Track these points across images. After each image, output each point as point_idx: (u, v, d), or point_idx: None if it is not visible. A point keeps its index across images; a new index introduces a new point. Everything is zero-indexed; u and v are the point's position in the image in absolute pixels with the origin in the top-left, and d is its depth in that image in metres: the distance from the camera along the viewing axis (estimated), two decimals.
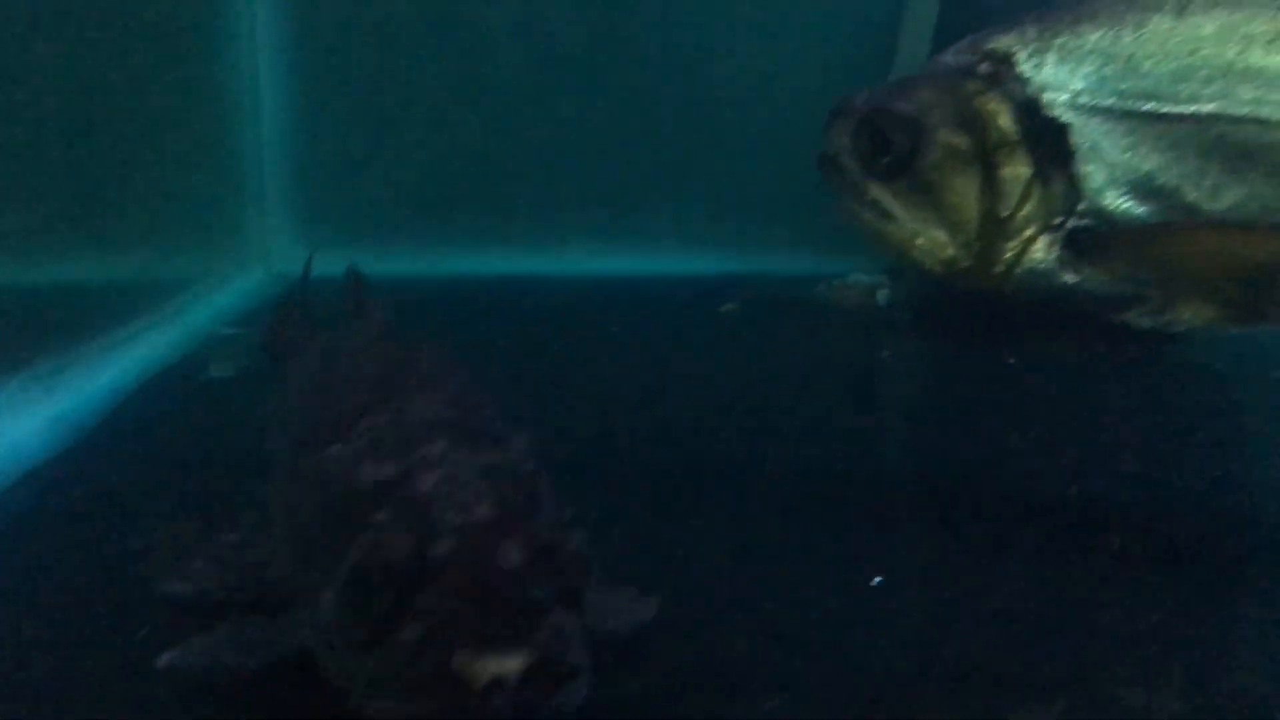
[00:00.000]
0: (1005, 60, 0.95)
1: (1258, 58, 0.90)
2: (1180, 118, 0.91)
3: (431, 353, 0.91)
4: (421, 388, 0.81)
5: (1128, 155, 0.92)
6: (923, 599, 0.96)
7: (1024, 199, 0.95)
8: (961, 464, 1.31)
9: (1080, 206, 0.94)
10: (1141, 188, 0.93)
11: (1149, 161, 0.92)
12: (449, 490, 0.69)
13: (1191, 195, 0.92)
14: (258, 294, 2.05)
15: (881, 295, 1.95)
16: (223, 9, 2.08)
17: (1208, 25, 0.91)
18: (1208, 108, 0.90)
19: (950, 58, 0.97)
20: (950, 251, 0.98)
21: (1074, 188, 0.94)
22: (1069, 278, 0.96)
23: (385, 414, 0.77)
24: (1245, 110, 0.90)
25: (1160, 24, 0.92)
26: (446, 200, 2.28)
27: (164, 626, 0.81)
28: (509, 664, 0.62)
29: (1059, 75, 0.94)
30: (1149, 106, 0.92)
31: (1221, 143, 0.90)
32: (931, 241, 0.98)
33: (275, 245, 2.27)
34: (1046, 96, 0.94)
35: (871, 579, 0.95)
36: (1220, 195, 0.91)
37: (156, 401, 1.39)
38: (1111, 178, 0.93)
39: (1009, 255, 0.96)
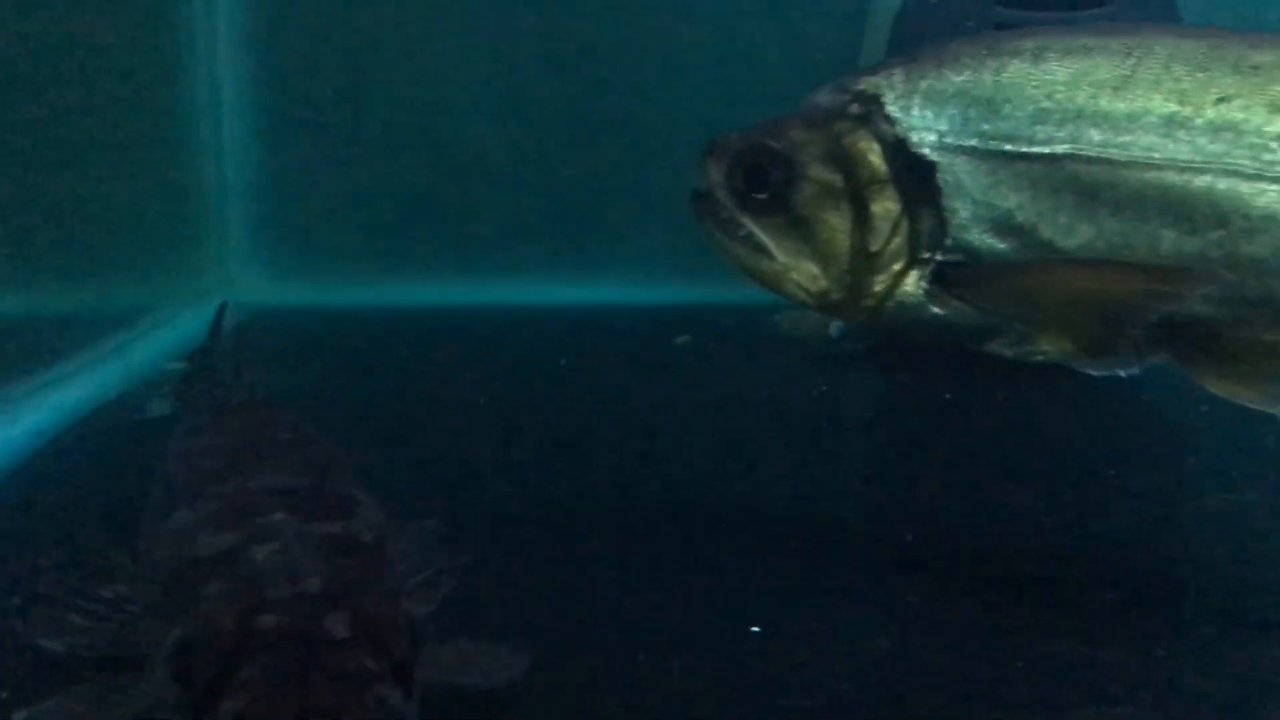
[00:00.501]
0: (874, 101, 0.98)
1: (1106, 103, 0.94)
2: (1036, 158, 0.95)
3: (291, 417, 0.92)
4: (275, 454, 0.82)
5: (989, 193, 0.95)
6: (810, 646, 0.96)
7: (893, 234, 0.98)
8: (885, 505, 1.33)
9: (947, 242, 0.97)
10: (1002, 225, 0.96)
11: (1009, 200, 0.95)
12: (281, 562, 0.70)
13: (1048, 232, 0.95)
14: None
15: (834, 327, 1.95)
16: (183, 38, 2.10)
17: (1061, 72, 0.95)
18: (1061, 149, 0.94)
19: (822, 98, 1.00)
20: (823, 284, 1.00)
21: (941, 224, 0.97)
22: (936, 310, 0.99)
23: (235, 481, 0.78)
24: (1094, 152, 0.94)
25: (1018, 70, 0.96)
26: (408, 230, 2.31)
27: (34, 681, 0.82)
28: None
29: (925, 117, 0.97)
30: (1008, 147, 0.95)
31: (1073, 182, 0.94)
32: (804, 275, 1.00)
33: (238, 275, 2.30)
34: (914, 137, 0.97)
35: (751, 627, 0.96)
36: (1073, 233, 0.95)
37: (83, 443, 1.40)
38: (975, 215, 0.96)
39: (879, 289, 0.99)
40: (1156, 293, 0.92)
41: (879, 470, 1.45)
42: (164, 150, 2.05)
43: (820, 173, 0.98)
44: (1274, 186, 0.91)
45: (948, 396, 1.62)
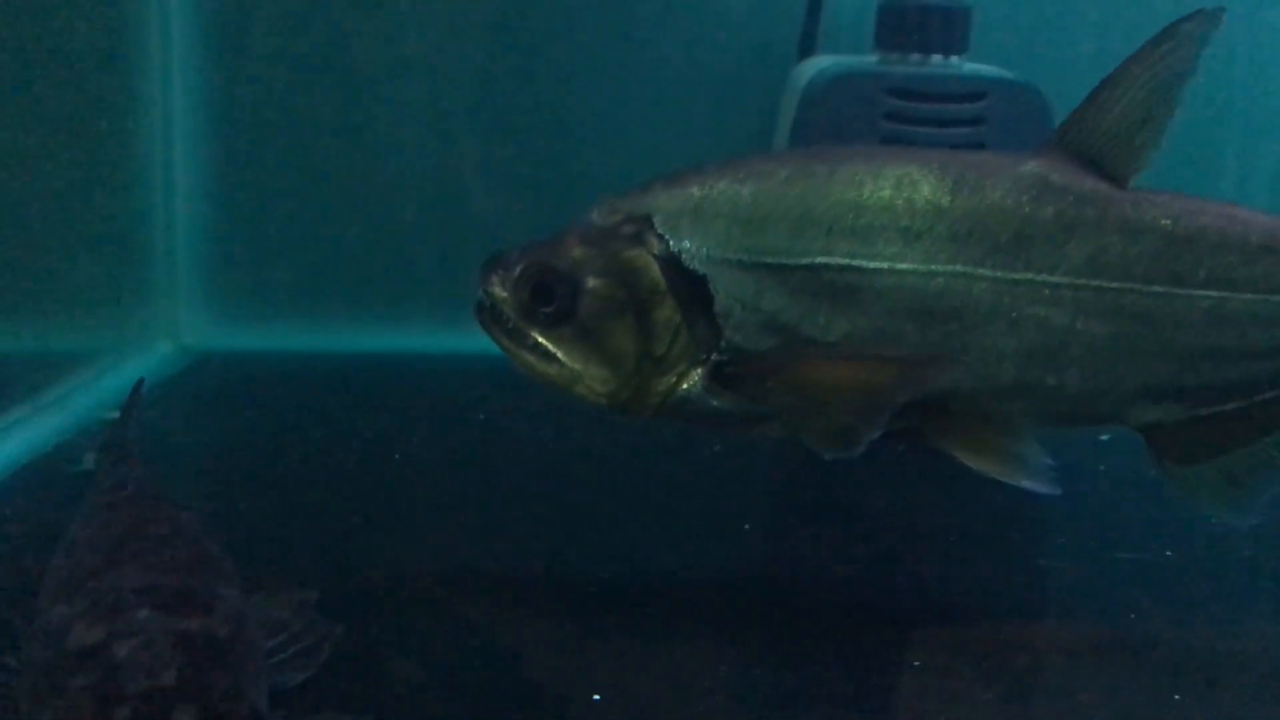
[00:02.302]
0: (645, 221, 1.11)
1: (850, 220, 1.09)
2: (795, 268, 1.09)
3: (172, 511, 1.04)
4: (148, 551, 0.94)
5: (756, 300, 1.10)
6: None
7: (674, 339, 1.11)
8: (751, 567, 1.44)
9: (721, 343, 1.11)
10: (769, 326, 1.10)
11: (773, 304, 1.10)
12: (139, 658, 0.81)
13: (808, 331, 1.10)
14: (162, 370, 2.16)
15: None
16: (134, 84, 2.18)
17: (812, 194, 1.10)
18: (816, 259, 1.09)
19: (596, 218, 1.14)
20: (613, 386, 1.13)
21: (715, 328, 1.10)
22: (715, 403, 1.13)
23: (109, 578, 0.90)
24: (844, 261, 1.09)
25: (773, 192, 1.10)
26: (357, 276, 2.38)
27: None
28: None
29: (694, 235, 1.11)
30: (770, 259, 1.10)
31: (828, 287, 1.09)
32: (595, 379, 1.13)
33: (185, 320, 2.37)
34: (685, 253, 1.10)
35: (592, 696, 1.07)
36: (830, 330, 1.09)
37: (12, 497, 1.48)
38: (744, 319, 1.10)
39: (664, 387, 1.12)
40: (906, 379, 1.07)
41: (756, 533, 1.56)
42: (111, 197, 2.12)
43: (603, 287, 1.11)
44: (993, 286, 1.08)
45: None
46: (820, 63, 1.99)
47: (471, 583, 1.31)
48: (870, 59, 1.95)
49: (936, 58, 1.91)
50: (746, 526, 1.54)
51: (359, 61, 2.31)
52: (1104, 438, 1.67)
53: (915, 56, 1.91)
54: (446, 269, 2.32)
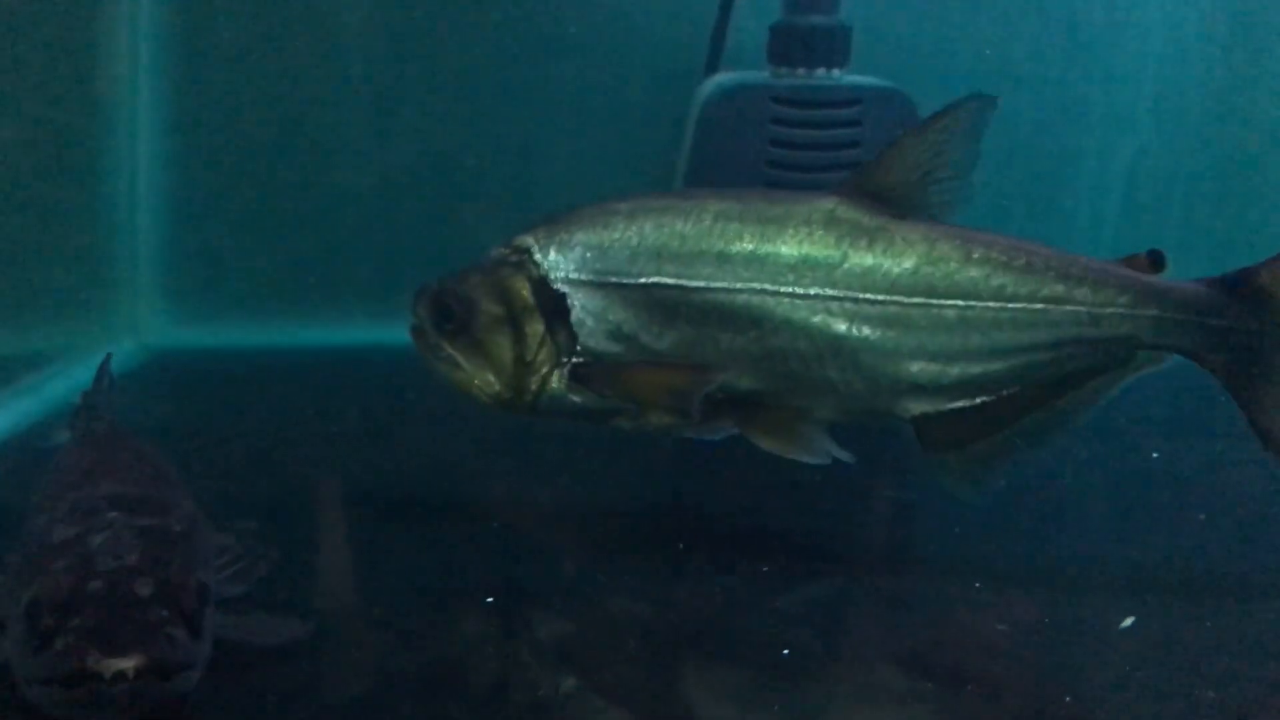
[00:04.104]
0: (526, 251, 1.37)
1: (676, 246, 1.34)
2: (633, 286, 1.34)
3: (135, 442, 1.24)
4: (117, 470, 1.14)
5: (604, 313, 1.34)
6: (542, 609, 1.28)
7: (541, 347, 1.36)
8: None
9: (577, 349, 1.35)
10: (614, 335, 1.35)
11: (617, 317, 1.34)
12: (108, 545, 1.01)
13: (645, 339, 1.34)
14: (124, 366, 2.31)
15: None
16: (101, 88, 2.32)
17: (648, 226, 1.35)
18: (650, 279, 1.33)
19: (494, 251, 1.40)
20: (497, 388, 1.38)
21: (572, 337, 1.35)
22: (575, 399, 1.37)
23: (85, 490, 1.10)
24: (670, 281, 1.33)
25: (618, 225, 1.35)
26: (306, 277, 2.52)
27: None
28: (127, 662, 0.94)
29: (558, 261, 1.36)
30: (614, 279, 1.34)
31: (659, 302, 1.33)
32: (485, 381, 1.38)
33: (146, 318, 2.52)
34: (551, 276, 1.35)
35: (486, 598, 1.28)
36: (662, 338, 1.34)
37: None
38: (595, 328, 1.35)
39: (535, 387, 1.37)
40: (697, 382, 1.33)
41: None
42: (80, 198, 2.27)
43: (490, 307, 1.38)
44: (787, 301, 1.31)
45: None
46: (719, 78, 2.21)
47: (391, 528, 1.51)
48: (763, 73, 2.17)
49: (820, 71, 2.13)
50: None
51: (309, 77, 2.46)
52: None
53: (802, 70, 2.14)
54: (385, 271, 2.46)
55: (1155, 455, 1.78)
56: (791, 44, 2.14)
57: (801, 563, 1.42)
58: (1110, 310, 1.29)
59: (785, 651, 1.19)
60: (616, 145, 2.50)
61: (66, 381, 2.06)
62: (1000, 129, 2.47)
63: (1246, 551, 1.46)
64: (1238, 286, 1.27)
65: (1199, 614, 1.29)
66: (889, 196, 1.33)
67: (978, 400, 1.33)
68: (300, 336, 2.49)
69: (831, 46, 2.14)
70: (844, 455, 1.36)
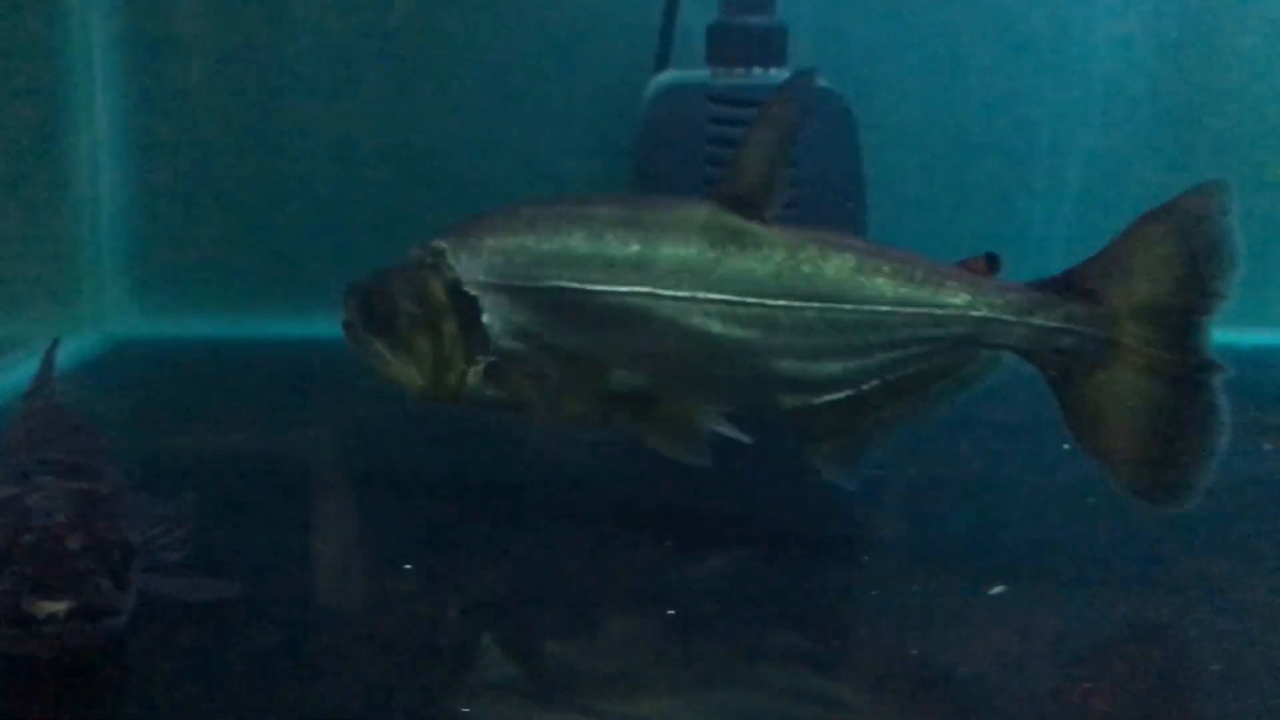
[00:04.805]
0: (441, 255, 1.46)
1: (571, 253, 1.43)
2: (539, 289, 1.43)
3: (73, 417, 1.35)
4: (53, 439, 1.24)
5: (512, 314, 1.44)
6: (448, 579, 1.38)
7: (456, 345, 1.45)
8: None
9: (490, 347, 1.45)
10: (522, 334, 1.44)
11: (524, 318, 1.44)
12: (43, 504, 1.11)
13: (550, 338, 1.44)
14: (87, 356, 2.40)
15: None
16: (61, 80, 2.38)
17: (546, 232, 1.44)
18: (552, 283, 1.43)
19: (412, 252, 1.49)
20: (419, 381, 1.48)
21: (484, 336, 1.44)
22: (490, 393, 1.47)
23: (24, 457, 1.20)
24: (572, 284, 1.42)
25: (521, 232, 1.45)
26: (267, 270, 2.61)
27: None
28: (58, 606, 1.03)
29: (471, 265, 1.45)
30: (520, 283, 1.43)
31: (560, 304, 1.42)
32: (408, 375, 1.48)
33: (110, 310, 2.60)
34: (464, 279, 1.44)
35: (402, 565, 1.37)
36: (565, 338, 1.44)
37: None
38: (504, 329, 1.44)
39: (453, 382, 1.46)
40: (582, 376, 1.44)
41: None
42: (41, 195, 2.33)
43: (409, 306, 1.47)
44: (669, 303, 1.41)
45: None
46: (662, 77, 2.31)
47: (326, 503, 1.63)
48: (704, 72, 2.26)
49: (758, 70, 2.23)
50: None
51: (269, 75, 2.54)
52: None
53: (740, 69, 2.23)
54: (343, 264, 2.47)
55: (1065, 447, 1.86)
56: (727, 44, 2.23)
57: (707, 538, 1.51)
58: (948, 311, 1.39)
59: (671, 612, 1.29)
60: (578, 139, 2.58)
61: (29, 370, 2.12)
62: (954, 130, 2.63)
63: (1123, 538, 1.54)
64: (1064, 286, 1.36)
65: (1067, 590, 1.38)
66: (749, 198, 1.43)
67: (844, 394, 1.43)
68: (263, 328, 2.56)
69: (768, 46, 2.23)
70: (742, 437, 1.45)
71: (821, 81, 2.18)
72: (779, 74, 2.23)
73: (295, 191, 2.60)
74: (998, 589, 1.35)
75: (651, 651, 1.23)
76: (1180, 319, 1.33)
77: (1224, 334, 2.50)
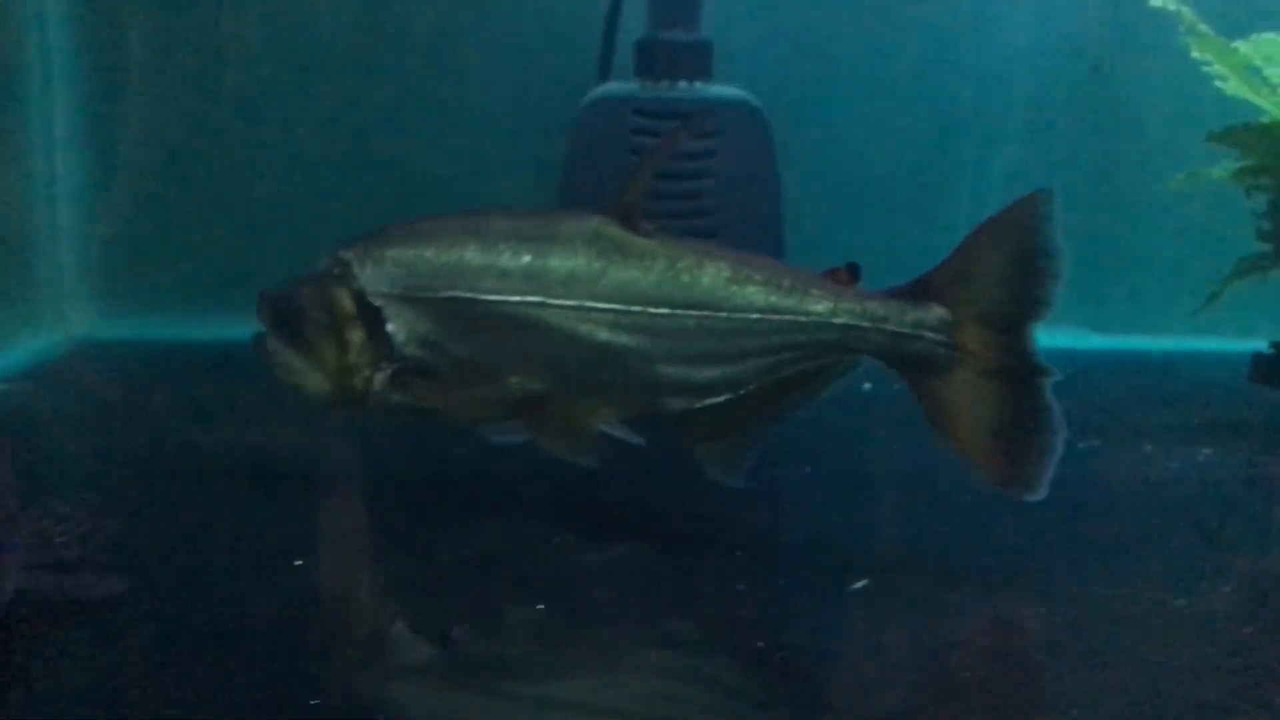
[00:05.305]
0: (347, 266, 1.52)
1: (467, 265, 1.50)
2: (438, 300, 1.50)
3: None
4: None
5: (413, 323, 1.50)
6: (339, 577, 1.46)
7: (362, 353, 1.52)
8: None
9: (394, 355, 1.51)
10: (424, 342, 1.51)
11: (425, 327, 1.50)
12: None
13: (450, 346, 1.50)
14: (47, 356, 2.47)
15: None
16: (17, 68, 2.44)
17: (445, 245, 1.51)
18: (450, 293, 1.49)
19: (321, 264, 1.55)
20: (328, 388, 1.54)
21: (389, 344, 1.51)
22: (396, 399, 1.53)
23: None
24: (465, 294, 1.49)
25: (421, 244, 1.51)
26: (224, 272, 2.66)
27: None
28: None
29: (375, 276, 1.51)
30: (422, 294, 1.50)
31: (458, 314, 1.49)
32: (317, 383, 1.54)
33: (72, 310, 2.67)
34: (369, 289, 1.51)
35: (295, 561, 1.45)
36: (463, 345, 1.50)
37: None
38: (407, 337, 1.51)
39: (361, 388, 1.53)
40: (479, 382, 1.51)
41: None
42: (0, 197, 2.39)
43: (318, 316, 1.53)
44: (558, 311, 1.48)
45: None
46: (596, 90, 2.39)
47: (243, 505, 1.67)
48: (633, 85, 2.34)
49: (683, 83, 2.31)
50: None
51: (227, 77, 2.61)
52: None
53: (666, 82, 2.31)
54: (303, 267, 2.62)
55: None
56: (653, 58, 2.31)
57: (594, 534, 1.58)
58: (812, 319, 1.47)
59: (540, 607, 1.36)
60: (531, 148, 2.63)
61: None
62: (879, 140, 2.70)
63: (990, 532, 1.62)
64: (915, 294, 1.45)
65: (926, 584, 1.44)
66: (636, 213, 1.51)
67: (724, 397, 1.51)
68: (224, 329, 2.58)
69: (693, 61, 2.31)
70: (634, 438, 1.53)
71: (741, 95, 2.29)
72: (704, 88, 2.32)
73: (254, 194, 2.67)
74: (861, 583, 1.42)
75: (533, 639, 1.30)
76: (1012, 324, 1.42)
77: (1129, 340, 2.68)
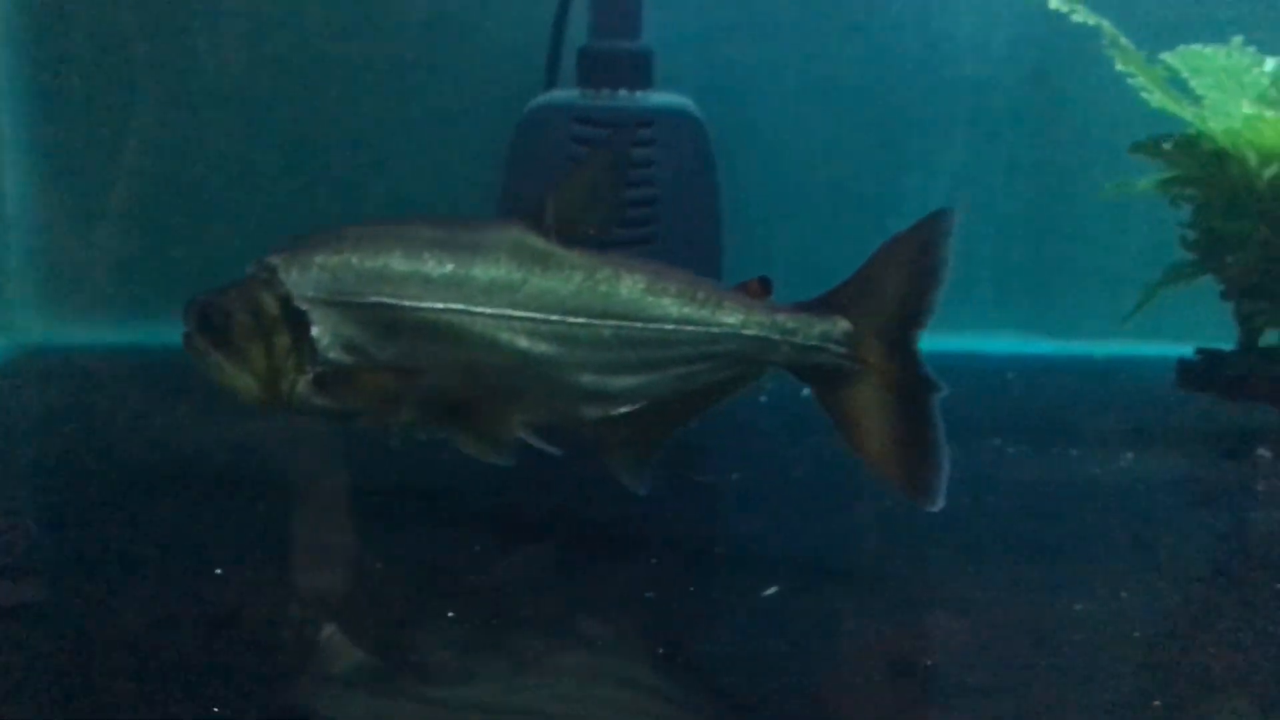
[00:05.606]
0: (273, 271, 1.54)
1: (391, 271, 1.52)
2: (361, 305, 1.52)
3: None
4: None
5: (337, 328, 1.53)
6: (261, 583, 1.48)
7: (288, 356, 1.54)
8: None
9: (318, 359, 1.53)
10: (347, 347, 1.53)
11: (348, 331, 1.53)
12: None
13: (373, 350, 1.53)
14: None
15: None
16: None
17: (370, 251, 1.53)
18: (374, 299, 1.52)
19: (249, 269, 1.57)
20: (255, 391, 1.56)
21: (314, 348, 1.53)
22: (320, 402, 1.56)
23: None
24: (389, 300, 1.51)
25: (346, 250, 1.54)
26: (172, 277, 2.61)
27: None
28: None
29: (301, 281, 1.53)
30: (345, 299, 1.52)
31: (381, 319, 1.52)
32: (244, 383, 1.56)
33: (19, 317, 2.67)
34: (295, 294, 1.53)
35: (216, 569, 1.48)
36: (385, 350, 1.53)
37: None
38: (331, 342, 1.53)
39: (285, 391, 1.55)
40: (402, 386, 1.53)
41: None
42: None
43: (245, 319, 1.56)
44: (480, 319, 1.51)
45: None
46: (537, 98, 2.41)
47: (170, 510, 1.70)
48: (574, 93, 2.37)
49: (624, 92, 2.34)
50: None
51: (173, 81, 2.62)
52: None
53: (606, 91, 2.34)
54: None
55: None
56: (594, 67, 2.34)
57: (511, 540, 1.62)
58: (724, 330, 1.51)
59: (452, 615, 1.40)
60: (479, 156, 2.62)
61: None
62: (826, 148, 2.73)
63: (900, 539, 1.65)
64: (822, 308, 1.49)
65: (835, 591, 1.48)
66: (559, 224, 1.54)
67: (639, 405, 1.54)
68: (171, 336, 2.58)
69: (634, 70, 2.34)
70: (550, 449, 1.55)
71: (681, 103, 2.31)
72: (645, 96, 2.34)
73: (202, 200, 2.68)
74: (771, 590, 1.45)
75: (449, 644, 1.33)
76: (906, 337, 1.47)
77: (1073, 345, 2.72)
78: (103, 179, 2.65)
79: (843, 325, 1.47)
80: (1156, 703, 1.19)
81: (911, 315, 1.46)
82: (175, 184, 2.67)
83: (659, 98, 2.32)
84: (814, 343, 1.48)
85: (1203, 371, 2.17)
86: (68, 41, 2.61)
